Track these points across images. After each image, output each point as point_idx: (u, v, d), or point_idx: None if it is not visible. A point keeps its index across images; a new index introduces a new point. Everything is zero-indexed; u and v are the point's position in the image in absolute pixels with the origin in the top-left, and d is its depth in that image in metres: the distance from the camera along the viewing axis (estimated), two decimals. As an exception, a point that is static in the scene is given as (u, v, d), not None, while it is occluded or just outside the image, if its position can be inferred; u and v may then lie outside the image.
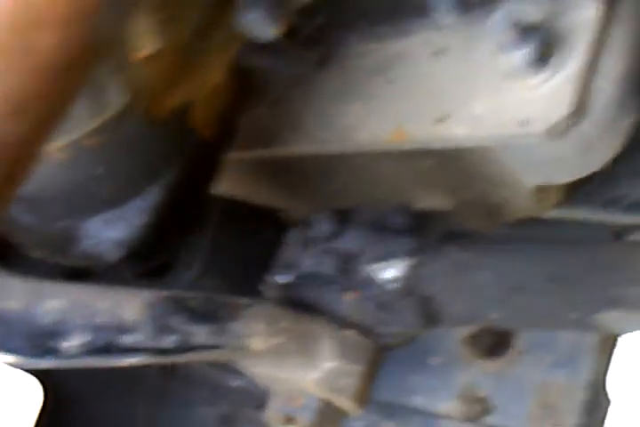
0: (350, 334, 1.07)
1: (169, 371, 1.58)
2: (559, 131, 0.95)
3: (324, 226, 1.09)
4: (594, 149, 0.99)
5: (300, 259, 1.11)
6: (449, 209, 1.17)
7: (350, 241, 1.08)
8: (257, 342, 1.02)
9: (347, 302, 1.08)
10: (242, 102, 1.10)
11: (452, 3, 0.96)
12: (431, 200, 1.18)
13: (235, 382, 1.56)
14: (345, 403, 1.08)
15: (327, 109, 1.12)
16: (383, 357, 1.12)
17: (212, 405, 1.63)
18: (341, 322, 1.08)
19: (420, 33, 1.08)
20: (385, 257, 1.06)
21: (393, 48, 1.10)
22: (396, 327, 1.08)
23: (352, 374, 1.06)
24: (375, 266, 1.06)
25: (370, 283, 1.06)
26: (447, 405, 1.50)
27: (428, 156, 1.07)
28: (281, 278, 1.10)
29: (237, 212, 1.46)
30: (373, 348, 1.09)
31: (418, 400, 1.52)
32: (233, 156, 1.14)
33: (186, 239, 1.22)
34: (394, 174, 1.15)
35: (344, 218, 1.10)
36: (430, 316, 1.07)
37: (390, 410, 1.53)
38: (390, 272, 1.05)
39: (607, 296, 0.95)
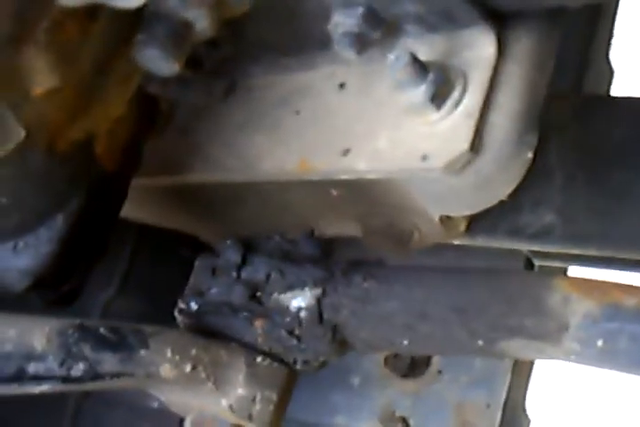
0: (261, 360, 1.07)
1: (84, 393, 1.57)
2: (457, 166, 0.96)
3: (230, 255, 1.09)
4: (492, 184, 1.01)
5: (209, 287, 1.11)
6: (358, 236, 1.19)
7: (257, 270, 1.08)
8: (166, 370, 1.01)
9: (256, 329, 1.09)
10: (147, 131, 1.10)
11: (352, 39, 0.97)
12: (340, 228, 1.19)
13: (154, 404, 1.56)
14: (258, 429, 1.08)
15: (233, 139, 1.12)
16: (296, 382, 1.12)
17: (132, 426, 1.63)
18: (252, 349, 1.09)
19: (324, 66, 1.09)
20: (292, 286, 1.06)
21: (298, 80, 1.11)
22: (308, 354, 1.09)
23: (264, 400, 1.06)
24: (283, 296, 1.06)
25: (279, 312, 1.06)
26: (368, 425, 1.51)
27: (334, 186, 1.08)
28: (191, 305, 1.10)
29: (155, 234, 1.46)
30: (286, 374, 1.09)
31: (339, 420, 1.53)
32: (140, 183, 1.14)
33: (99, 264, 1.22)
34: (302, 203, 1.16)
35: (251, 247, 1.11)
36: (342, 342, 1.08)
37: (312, 430, 1.54)
38: (298, 301, 1.05)
39: (507, 326, 0.96)
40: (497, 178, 1.01)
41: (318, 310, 1.05)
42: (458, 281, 1.05)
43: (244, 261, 1.10)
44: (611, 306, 0.90)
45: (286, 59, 1.10)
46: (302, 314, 1.05)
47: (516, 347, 0.97)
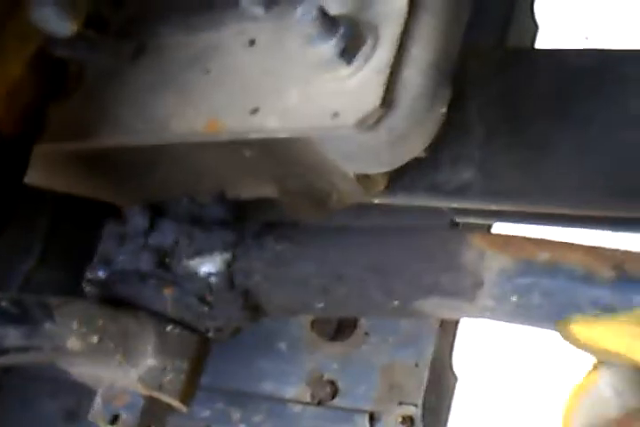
0: (172, 329, 1.05)
1: (4, 368, 1.54)
2: (368, 123, 0.95)
3: (138, 221, 1.06)
4: (405, 140, 0.99)
5: (117, 254, 1.08)
6: (274, 198, 1.17)
7: (165, 236, 1.06)
8: (73, 343, 0.99)
9: (166, 297, 1.06)
10: (53, 95, 1.06)
11: (259, -6, 0.95)
12: (257, 190, 1.17)
13: (77, 376, 1.53)
14: (170, 400, 1.07)
15: (142, 101, 1.09)
16: (209, 350, 1.10)
17: (55, 399, 1.60)
18: (162, 317, 1.06)
19: (233, 24, 1.06)
20: (201, 251, 1.04)
21: (208, 39, 1.08)
22: (220, 321, 1.07)
23: (175, 370, 1.04)
24: (192, 261, 1.04)
25: (188, 278, 1.04)
26: (296, 390, 1.50)
27: (247, 146, 1.06)
28: (98, 274, 1.07)
29: (76, 202, 1.42)
30: (197, 342, 1.07)
31: (266, 386, 1.52)
32: (47, 149, 1.10)
33: (14, 235, 1.18)
34: (216, 165, 1.13)
35: (159, 211, 1.08)
36: (254, 308, 1.05)
37: (237, 397, 1.52)
38: (207, 267, 1.03)
39: (423, 284, 0.96)
40: (410, 134, 0.99)
41: (228, 275, 1.03)
42: (374, 241, 1.04)
43: (151, 227, 1.07)
44: (524, 261, 0.90)
45: (195, 17, 1.08)
46: (212, 280, 1.03)
47: (432, 305, 0.97)
